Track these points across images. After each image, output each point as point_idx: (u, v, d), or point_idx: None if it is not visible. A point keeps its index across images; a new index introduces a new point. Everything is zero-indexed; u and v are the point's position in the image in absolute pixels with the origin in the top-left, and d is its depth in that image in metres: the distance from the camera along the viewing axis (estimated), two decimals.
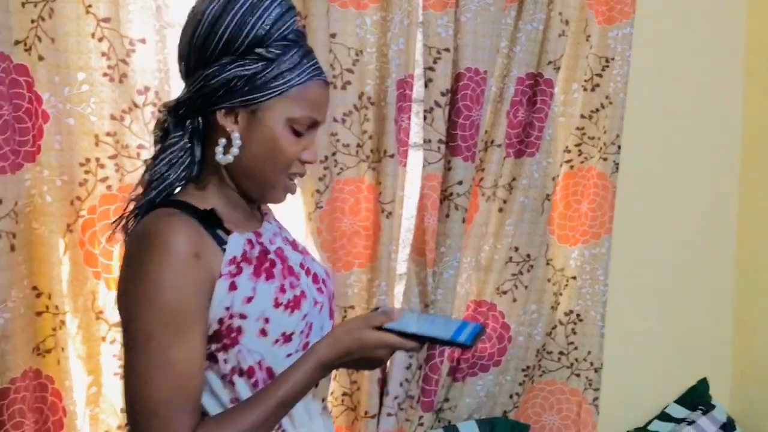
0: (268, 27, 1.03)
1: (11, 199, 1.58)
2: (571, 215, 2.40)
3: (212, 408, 1.05)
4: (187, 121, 1.08)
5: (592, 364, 2.44)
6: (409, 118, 2.05)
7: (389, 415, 2.10)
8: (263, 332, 1.04)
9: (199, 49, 1.05)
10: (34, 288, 1.68)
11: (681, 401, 2.74)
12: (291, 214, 1.86)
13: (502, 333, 2.34)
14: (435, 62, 2.04)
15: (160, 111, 1.12)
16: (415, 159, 2.14)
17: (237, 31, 1.02)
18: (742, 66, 2.66)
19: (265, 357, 1.05)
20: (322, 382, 1.22)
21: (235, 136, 1.05)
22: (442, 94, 2.05)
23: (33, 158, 1.64)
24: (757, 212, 2.70)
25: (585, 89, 2.33)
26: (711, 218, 2.71)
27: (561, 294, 2.43)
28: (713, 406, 2.71)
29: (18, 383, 1.62)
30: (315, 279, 1.18)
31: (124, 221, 1.12)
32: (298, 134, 1.07)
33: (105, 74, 1.70)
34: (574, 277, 2.43)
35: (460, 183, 2.09)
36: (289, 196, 1.15)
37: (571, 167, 2.38)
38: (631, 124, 2.39)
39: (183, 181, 1.10)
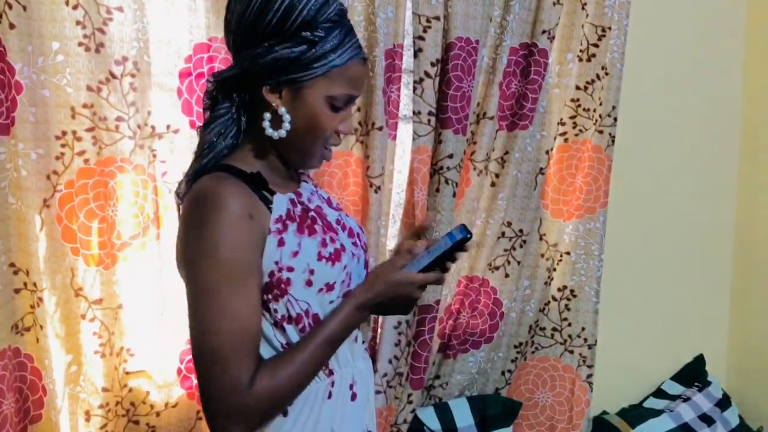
0: (315, 12, 1.09)
1: None
2: (565, 189, 2.35)
3: (266, 352, 1.14)
4: (234, 94, 1.17)
5: (586, 340, 2.41)
6: (398, 90, 1.99)
7: (378, 392, 2.07)
8: (309, 283, 1.14)
9: (249, 29, 1.12)
10: (12, 265, 1.63)
11: (677, 378, 2.72)
12: None
13: (494, 309, 2.30)
14: (425, 31, 1.97)
15: (209, 81, 1.20)
16: (406, 131, 2.08)
17: (285, 14, 1.08)
18: (743, 35, 2.60)
19: (311, 305, 1.15)
20: (363, 328, 1.31)
21: (283, 111, 1.13)
22: (432, 65, 1.99)
23: (8, 131, 1.58)
24: (757, 185, 2.65)
25: (580, 59, 2.27)
26: (709, 192, 2.67)
27: (555, 269, 2.39)
28: (709, 383, 2.70)
29: None
30: (350, 233, 1.28)
31: (177, 186, 1.22)
32: (336, 109, 1.15)
33: (80, 44, 1.63)
34: (568, 252, 2.38)
35: (451, 156, 2.03)
36: None
37: (566, 140, 2.33)
38: (628, 96, 2.33)
39: (230, 149, 1.20)
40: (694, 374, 2.71)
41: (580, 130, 2.32)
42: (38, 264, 1.66)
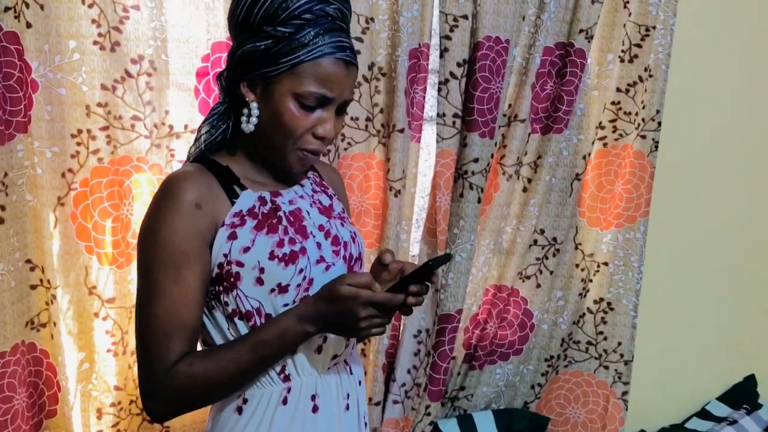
0: (276, 6, 1.09)
1: (0, 170, 1.54)
2: (603, 197, 2.24)
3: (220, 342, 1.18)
4: (227, 90, 1.20)
5: (622, 356, 2.29)
6: (423, 91, 1.92)
7: (395, 402, 2.01)
8: (259, 281, 1.14)
9: (230, 26, 1.18)
10: (28, 261, 1.65)
11: (724, 398, 2.58)
12: None
13: (524, 320, 2.21)
14: (452, 30, 1.90)
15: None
16: (432, 134, 2.01)
17: (249, 10, 1.11)
18: None
19: (263, 304, 1.15)
20: (335, 340, 1.23)
21: (253, 106, 1.15)
22: (459, 65, 1.92)
23: (25, 129, 1.59)
24: None
25: (622, 60, 2.16)
26: (760, 201, 2.50)
27: (590, 281, 2.29)
28: (760, 406, 2.54)
29: (8, 357, 1.60)
30: (335, 241, 1.25)
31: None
32: (307, 108, 1.13)
33: (96, 42, 1.63)
34: (605, 263, 2.27)
35: (476, 161, 1.96)
36: None
37: (605, 145, 2.22)
38: (673, 99, 2.20)
39: (218, 143, 1.22)
40: (743, 395, 2.56)
41: (621, 135, 2.21)
42: (52, 261, 1.67)
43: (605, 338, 2.30)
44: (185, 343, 1.11)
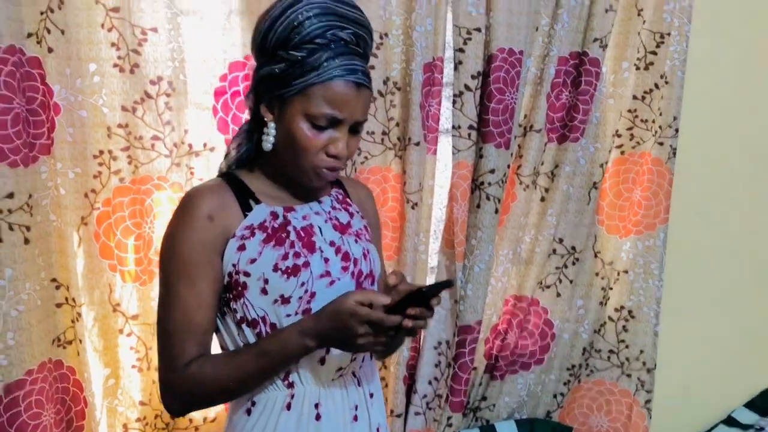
0: (288, 32, 1.15)
1: (24, 192, 1.57)
2: (621, 204, 2.24)
3: (232, 348, 1.26)
4: (252, 111, 1.27)
5: (644, 364, 2.28)
6: (438, 104, 1.94)
7: (417, 414, 2.02)
8: (264, 291, 1.20)
9: (252, 50, 1.25)
10: (53, 280, 1.68)
11: (750, 405, 2.54)
12: None
13: (545, 329, 2.21)
14: (465, 43, 1.92)
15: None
16: (447, 146, 2.03)
17: (264, 36, 1.18)
18: None
19: (267, 314, 1.21)
20: (339, 353, 1.25)
21: (271, 126, 1.21)
22: (473, 77, 1.93)
23: (48, 151, 1.63)
24: None
25: (637, 68, 2.16)
26: None
27: (611, 289, 2.28)
28: None
29: (35, 374, 1.63)
30: (345, 257, 1.28)
31: None
32: (319, 128, 1.18)
33: (115, 65, 1.67)
34: (625, 271, 2.27)
35: (493, 171, 1.97)
36: None
37: (622, 152, 2.22)
38: (690, 106, 2.19)
39: (244, 159, 1.30)
40: None
41: (638, 142, 2.20)
42: (77, 280, 1.71)
43: (627, 346, 2.29)
44: (198, 345, 1.19)
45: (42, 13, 1.59)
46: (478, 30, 1.92)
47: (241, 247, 1.20)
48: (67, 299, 1.70)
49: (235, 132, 1.36)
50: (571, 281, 2.20)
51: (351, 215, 1.36)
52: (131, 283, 1.77)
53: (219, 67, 1.78)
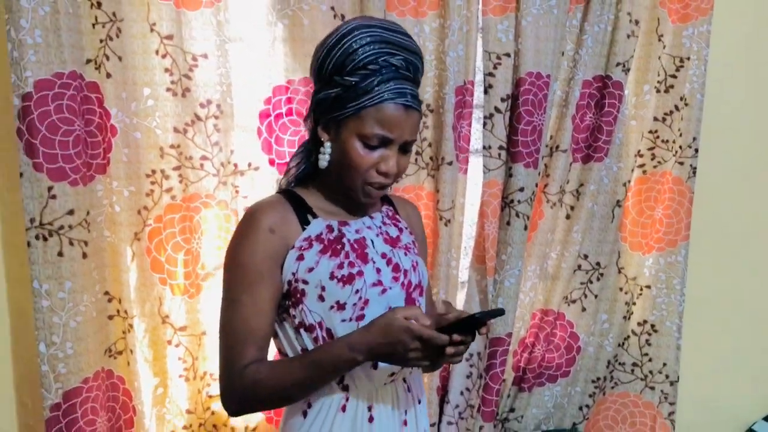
0: (343, 59, 1.24)
1: (83, 209, 1.66)
2: (644, 222, 2.32)
3: (289, 352, 1.33)
4: (311, 132, 1.36)
5: (667, 376, 2.34)
6: (469, 125, 2.03)
7: (449, 423, 2.09)
8: (321, 298, 1.27)
9: (310, 76, 1.34)
10: (106, 293, 1.76)
11: None
12: None
13: (571, 343, 2.28)
14: (495, 68, 2.02)
15: None
16: (477, 166, 2.12)
17: (321, 63, 1.27)
18: None
19: (324, 319, 1.28)
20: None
21: (327, 146, 1.30)
22: (502, 100, 2.03)
23: (104, 170, 1.73)
24: None
25: (658, 91, 2.25)
26: None
27: (634, 303, 2.35)
28: None
29: (91, 383, 1.71)
30: (395, 268, 1.36)
31: None
32: (370, 148, 1.26)
33: (168, 89, 1.77)
34: (648, 286, 2.34)
35: (522, 190, 2.05)
36: None
37: (644, 172, 2.30)
38: (709, 127, 2.28)
39: (303, 177, 1.38)
40: None
41: (659, 162, 2.29)
42: (129, 293, 1.79)
43: (650, 359, 2.35)
44: (257, 349, 1.26)
45: (101, 41, 1.69)
46: (508, 55, 2.01)
47: (300, 257, 1.28)
48: (118, 311, 1.78)
49: (291, 153, 1.44)
50: (595, 296, 2.27)
51: (400, 230, 1.44)
52: (180, 295, 1.85)
53: (263, 90, 1.87)
